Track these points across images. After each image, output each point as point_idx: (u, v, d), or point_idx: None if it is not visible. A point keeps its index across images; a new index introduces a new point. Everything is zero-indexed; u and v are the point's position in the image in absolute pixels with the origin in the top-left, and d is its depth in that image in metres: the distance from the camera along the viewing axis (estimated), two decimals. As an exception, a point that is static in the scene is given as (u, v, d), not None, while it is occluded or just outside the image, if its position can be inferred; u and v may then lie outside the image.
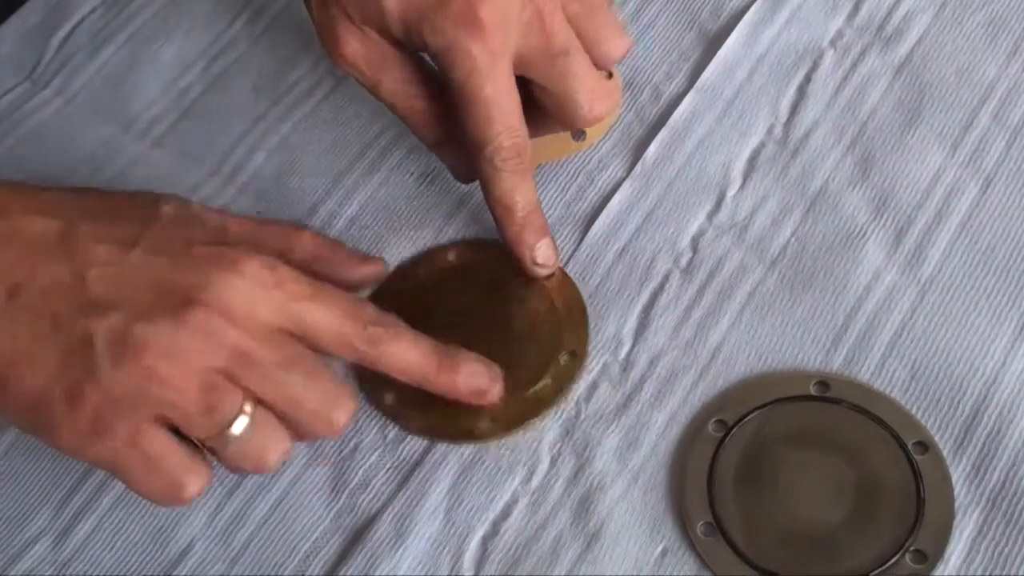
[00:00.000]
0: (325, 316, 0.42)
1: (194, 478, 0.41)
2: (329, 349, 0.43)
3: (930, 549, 0.43)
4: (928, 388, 0.46)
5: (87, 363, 0.39)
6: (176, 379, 0.40)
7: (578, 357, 0.48)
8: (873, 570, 0.43)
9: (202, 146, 0.57)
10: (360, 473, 0.47)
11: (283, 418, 0.42)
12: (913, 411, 0.46)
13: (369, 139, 0.55)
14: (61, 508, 0.48)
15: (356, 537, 0.46)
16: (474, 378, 0.46)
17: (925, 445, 0.45)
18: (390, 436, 0.48)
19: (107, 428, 0.40)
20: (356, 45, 0.48)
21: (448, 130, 0.50)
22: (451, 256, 0.52)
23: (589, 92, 0.48)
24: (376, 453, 0.48)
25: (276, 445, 0.42)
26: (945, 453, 0.45)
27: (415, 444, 0.48)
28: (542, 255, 0.49)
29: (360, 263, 0.49)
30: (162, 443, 0.40)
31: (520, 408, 0.47)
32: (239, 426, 0.41)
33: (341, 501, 0.47)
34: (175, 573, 0.46)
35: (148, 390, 0.40)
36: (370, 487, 0.47)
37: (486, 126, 0.47)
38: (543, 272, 0.50)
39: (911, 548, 0.43)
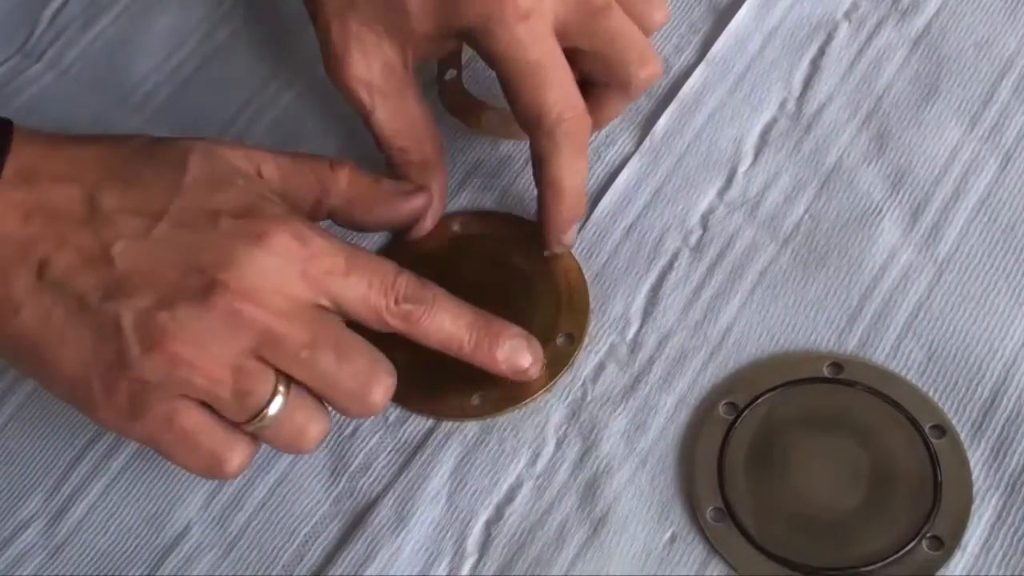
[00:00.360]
0: (358, 291, 0.42)
1: (235, 453, 0.41)
2: (362, 322, 0.42)
3: (947, 535, 0.42)
4: (945, 370, 0.45)
5: (118, 348, 0.39)
6: (204, 365, 0.39)
7: (575, 341, 0.47)
8: (888, 557, 0.42)
9: (200, 120, 0.55)
10: (360, 456, 0.46)
11: (319, 397, 0.41)
12: (930, 393, 0.45)
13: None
14: (54, 492, 0.47)
15: (356, 521, 0.45)
16: (515, 354, 0.45)
17: (942, 428, 0.44)
18: (391, 418, 0.47)
19: (143, 410, 0.40)
20: (363, 67, 0.47)
21: (415, 183, 0.49)
22: (456, 226, 0.51)
23: (638, 50, 0.47)
24: (377, 435, 0.47)
25: (314, 425, 0.41)
26: (963, 437, 0.44)
27: (417, 426, 0.47)
28: (569, 236, 0.48)
29: (403, 200, 0.47)
30: (198, 420, 0.40)
31: (511, 388, 0.47)
32: (274, 407, 0.40)
33: (341, 484, 0.46)
34: (170, 557, 0.45)
35: (177, 376, 0.39)
36: (371, 470, 0.46)
37: (541, 94, 0.45)
38: (563, 250, 0.49)
39: (928, 534, 0.42)
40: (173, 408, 0.40)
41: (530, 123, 0.46)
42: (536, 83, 0.45)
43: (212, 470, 0.41)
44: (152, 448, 0.41)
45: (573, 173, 0.47)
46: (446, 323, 0.43)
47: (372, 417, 0.46)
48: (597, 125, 0.50)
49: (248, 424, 0.40)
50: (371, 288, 0.42)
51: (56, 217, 0.40)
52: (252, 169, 0.44)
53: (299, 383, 0.41)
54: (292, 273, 0.40)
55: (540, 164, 0.47)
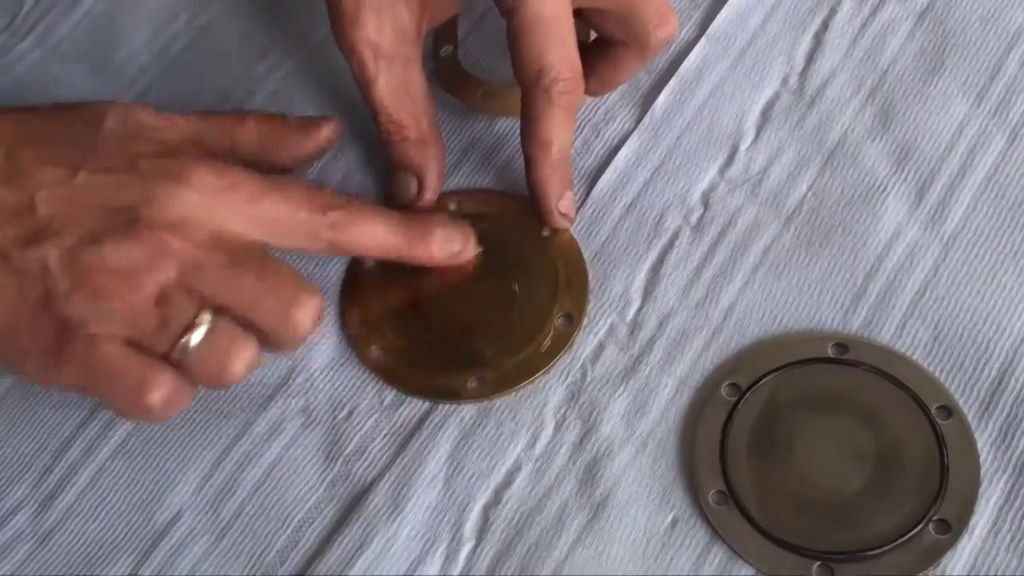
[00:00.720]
0: (284, 209, 0.42)
1: (155, 384, 0.40)
2: (296, 244, 0.43)
3: (954, 519, 0.41)
4: (952, 350, 0.45)
5: (44, 288, 0.40)
6: (128, 296, 0.40)
7: (574, 321, 0.47)
8: (894, 540, 0.41)
9: (188, 100, 0.54)
10: (355, 439, 0.46)
11: (245, 325, 0.41)
12: (936, 374, 0.44)
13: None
14: (42, 478, 0.46)
15: (351, 506, 0.44)
16: (448, 242, 0.46)
17: (949, 409, 0.43)
18: (387, 400, 0.46)
19: (67, 350, 0.40)
20: (373, 29, 0.47)
21: (413, 160, 0.49)
22: (452, 205, 0.50)
23: (656, 8, 0.47)
24: (372, 418, 0.46)
25: (238, 353, 0.41)
26: (970, 418, 0.43)
27: (413, 409, 0.46)
28: (565, 205, 0.48)
29: (311, 130, 0.48)
30: (117, 352, 0.40)
31: (510, 370, 0.46)
32: (197, 336, 0.40)
33: (336, 468, 0.45)
34: (162, 544, 0.44)
35: (103, 309, 0.40)
36: (366, 454, 0.45)
37: (545, 51, 0.45)
38: (565, 223, 0.48)
39: (934, 518, 0.41)
40: (95, 344, 0.40)
41: (529, 79, 0.46)
42: (543, 40, 0.45)
43: (133, 403, 0.41)
44: (77, 391, 0.42)
45: (563, 134, 0.47)
46: (377, 228, 0.44)
47: (300, 346, 0.44)
48: (611, 85, 0.50)
49: (172, 353, 0.40)
50: (297, 204, 0.42)
51: None
52: (166, 125, 0.45)
53: (225, 314, 0.41)
54: (215, 205, 0.41)
55: (531, 122, 0.47)
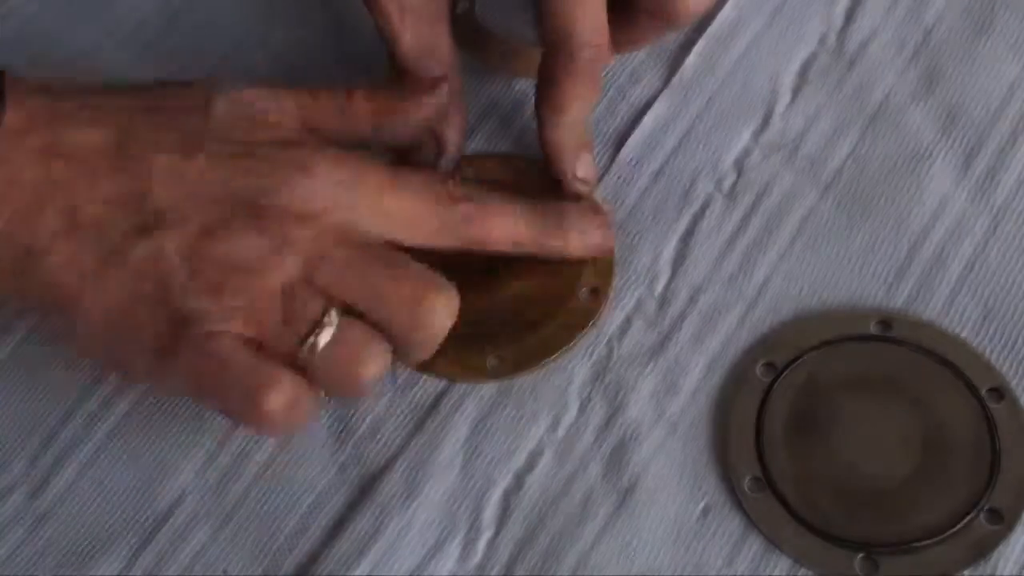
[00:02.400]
0: (411, 202, 0.41)
1: (274, 389, 0.38)
2: (424, 240, 0.41)
3: (1007, 508, 0.39)
4: (1004, 328, 0.43)
5: (158, 281, 0.39)
6: (250, 291, 0.38)
7: (600, 295, 0.45)
8: (942, 532, 0.39)
9: (193, 55, 0.52)
10: (367, 420, 0.44)
11: (375, 325, 0.39)
12: (986, 354, 0.42)
13: (383, 47, 0.50)
14: (37, 457, 0.44)
15: (363, 491, 0.42)
16: (585, 234, 0.44)
17: (1001, 392, 0.41)
18: (400, 379, 0.44)
19: (179, 349, 0.38)
20: None
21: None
22: (469, 172, 0.48)
23: None
24: (385, 398, 0.44)
25: (371, 357, 0.39)
26: (1023, 401, 0.41)
27: (428, 388, 0.44)
28: (583, 169, 0.46)
29: (422, 97, 0.45)
30: (233, 353, 0.38)
31: (531, 348, 0.44)
32: (325, 336, 0.39)
33: (347, 451, 0.43)
34: (164, 528, 0.42)
35: (223, 304, 0.38)
36: (378, 436, 0.43)
37: (576, 14, 0.43)
38: (584, 189, 0.46)
39: (986, 507, 0.40)
40: (211, 342, 0.38)
41: (556, 42, 0.44)
42: (574, 2, 0.43)
43: (250, 408, 0.38)
44: (190, 394, 0.40)
45: (583, 102, 0.45)
46: (508, 217, 0.42)
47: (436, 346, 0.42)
48: (632, 48, 0.48)
49: (298, 355, 0.38)
50: (425, 197, 0.41)
51: (84, 161, 0.39)
52: (275, 108, 0.42)
53: (353, 315, 0.39)
54: (341, 198, 0.39)
55: (550, 86, 0.45)
